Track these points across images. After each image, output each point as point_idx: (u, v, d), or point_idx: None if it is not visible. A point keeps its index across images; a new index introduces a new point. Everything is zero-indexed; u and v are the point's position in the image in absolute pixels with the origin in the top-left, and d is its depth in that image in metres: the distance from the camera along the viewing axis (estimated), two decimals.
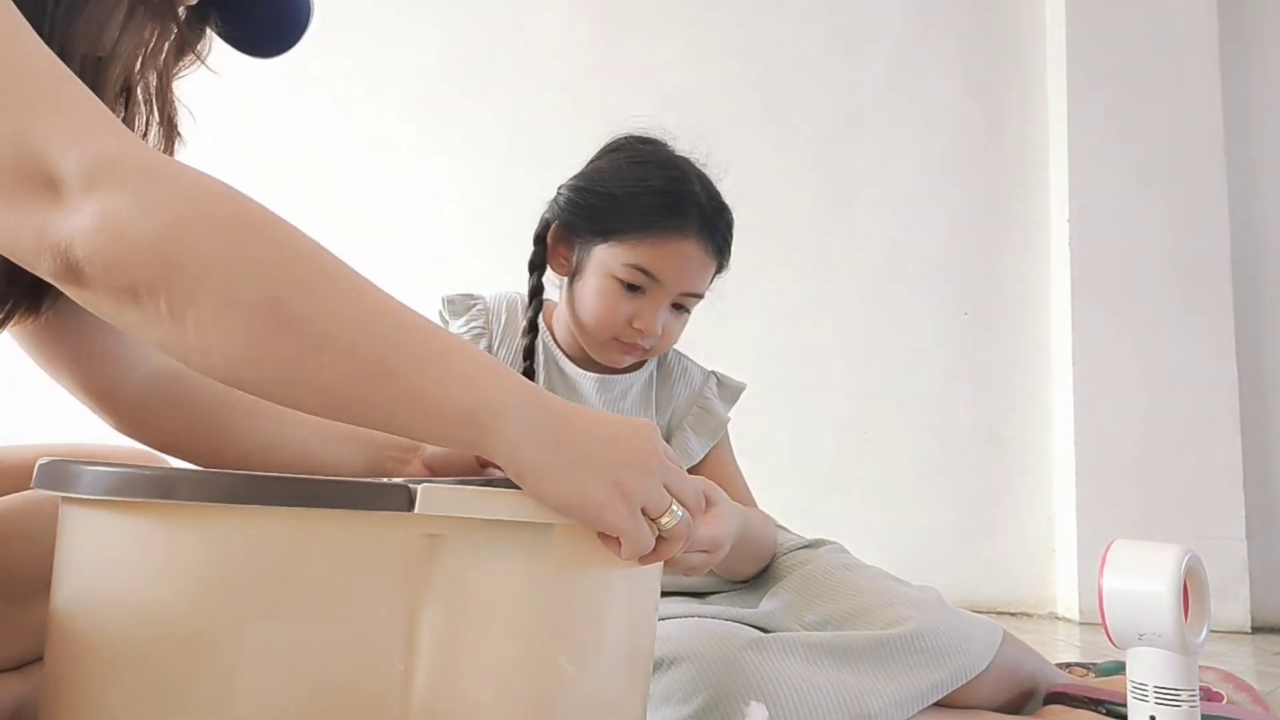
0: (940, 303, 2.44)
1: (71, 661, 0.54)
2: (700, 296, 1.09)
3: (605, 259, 1.05)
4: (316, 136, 2.71)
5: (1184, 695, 0.75)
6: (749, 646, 0.86)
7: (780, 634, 0.90)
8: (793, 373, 2.40)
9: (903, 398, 2.42)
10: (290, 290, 0.50)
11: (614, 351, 1.07)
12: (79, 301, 0.51)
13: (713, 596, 1.07)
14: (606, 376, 1.12)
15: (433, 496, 0.52)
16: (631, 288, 1.04)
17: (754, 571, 1.08)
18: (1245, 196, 2.38)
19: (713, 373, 1.19)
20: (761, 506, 1.19)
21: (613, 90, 2.54)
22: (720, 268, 1.10)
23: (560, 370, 1.12)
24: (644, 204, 1.04)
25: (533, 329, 1.12)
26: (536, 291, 1.13)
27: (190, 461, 0.78)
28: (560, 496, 0.54)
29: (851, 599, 0.97)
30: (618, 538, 0.56)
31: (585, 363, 1.12)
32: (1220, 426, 2.23)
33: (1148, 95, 2.35)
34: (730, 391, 1.18)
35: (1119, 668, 1.10)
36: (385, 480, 0.58)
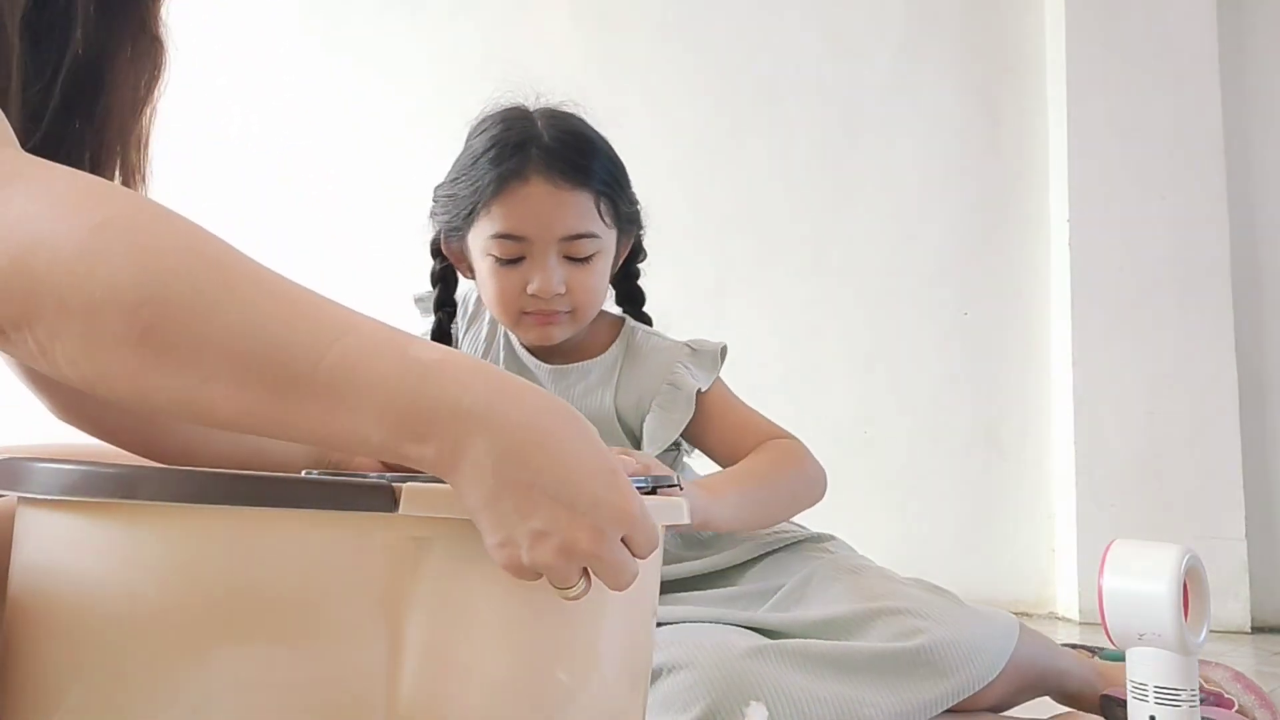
0: (940, 304, 2.44)
1: (23, 676, 0.50)
2: (588, 236, 0.99)
3: (477, 244, 1.02)
4: (314, 138, 2.71)
5: (1184, 695, 0.75)
6: (748, 655, 0.85)
7: (782, 641, 0.88)
8: (793, 375, 2.40)
9: (903, 399, 2.42)
10: (159, 315, 0.42)
11: (534, 329, 1.03)
12: None
13: (711, 591, 1.04)
14: (561, 366, 1.08)
15: (419, 496, 0.48)
16: (509, 261, 0.99)
17: (773, 518, 1.05)
18: (1245, 197, 2.37)
19: (686, 344, 1.10)
20: None
21: (612, 93, 2.54)
22: (602, 196, 1.00)
23: (518, 361, 1.10)
24: (480, 169, 1.00)
25: (441, 336, 1.10)
26: (443, 302, 1.12)
27: (130, 452, 0.74)
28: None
29: (859, 603, 0.93)
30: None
31: (543, 353, 1.09)
32: (1220, 426, 2.23)
33: (1148, 96, 2.35)
34: (706, 358, 1.09)
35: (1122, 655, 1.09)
36: (366, 477, 0.54)
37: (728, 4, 2.61)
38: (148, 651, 0.47)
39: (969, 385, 2.41)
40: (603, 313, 1.12)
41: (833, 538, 1.10)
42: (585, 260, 1.00)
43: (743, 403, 1.11)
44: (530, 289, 0.99)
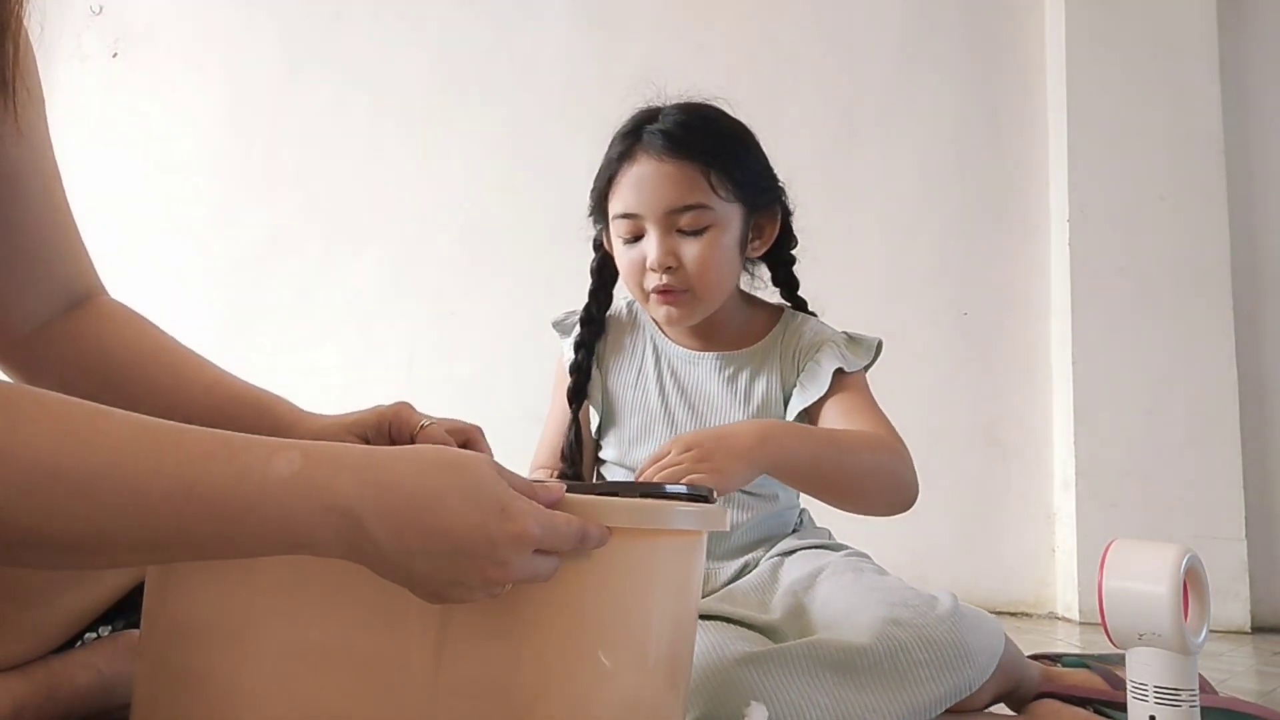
0: (940, 303, 2.44)
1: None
2: (696, 208, 1.00)
3: (611, 230, 1.06)
4: (314, 141, 2.71)
5: (1184, 695, 0.75)
6: (742, 662, 0.84)
7: (781, 645, 0.87)
8: None
9: (903, 399, 2.40)
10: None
11: (658, 307, 1.04)
12: None
13: (723, 589, 1.04)
14: (725, 354, 1.09)
15: None
16: (630, 240, 1.03)
17: (839, 488, 0.97)
18: (1245, 197, 2.37)
19: (844, 331, 1.11)
20: None
21: (610, 95, 2.54)
22: (713, 169, 1.01)
23: (673, 360, 1.11)
24: (606, 162, 1.06)
25: (585, 324, 1.11)
26: (601, 284, 1.13)
27: None
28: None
29: (863, 598, 0.93)
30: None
31: (702, 345, 1.11)
32: (1220, 426, 2.23)
33: (1148, 95, 2.35)
34: (860, 346, 1.09)
35: (1082, 663, 1.09)
36: None
37: (727, 4, 2.61)
38: (202, 619, 0.59)
39: (969, 385, 2.41)
40: (763, 302, 1.15)
41: (846, 547, 1.11)
42: (697, 234, 1.00)
43: (876, 404, 1.06)
44: (647, 264, 1.01)
